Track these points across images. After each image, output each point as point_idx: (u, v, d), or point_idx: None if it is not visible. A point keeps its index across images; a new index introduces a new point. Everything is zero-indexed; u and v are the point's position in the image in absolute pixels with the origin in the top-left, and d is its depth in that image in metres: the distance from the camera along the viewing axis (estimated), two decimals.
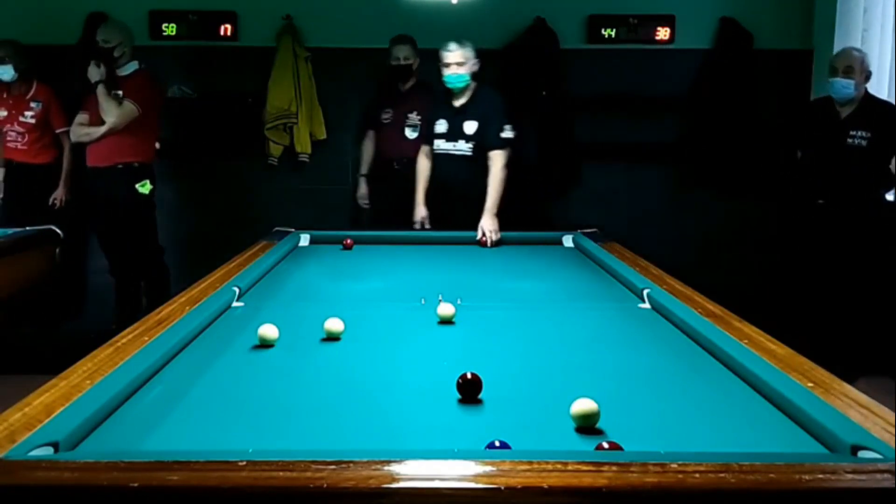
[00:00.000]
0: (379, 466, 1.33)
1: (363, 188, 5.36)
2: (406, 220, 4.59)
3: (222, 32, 5.62)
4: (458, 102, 4.45)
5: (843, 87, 4.48)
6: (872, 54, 5.10)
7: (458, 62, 4.34)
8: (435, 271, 3.52)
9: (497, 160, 4.34)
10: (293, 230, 4.16)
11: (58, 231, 4.31)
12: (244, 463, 1.34)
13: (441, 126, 4.50)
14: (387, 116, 5.16)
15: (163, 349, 2.10)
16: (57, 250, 4.30)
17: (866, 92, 4.58)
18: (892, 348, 4.18)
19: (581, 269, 3.50)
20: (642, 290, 2.83)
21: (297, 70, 5.51)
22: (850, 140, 4.49)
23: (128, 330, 2.29)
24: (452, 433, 1.68)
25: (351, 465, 1.33)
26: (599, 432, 1.64)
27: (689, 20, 5.64)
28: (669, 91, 5.67)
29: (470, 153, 4.43)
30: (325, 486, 1.28)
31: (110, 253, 5.15)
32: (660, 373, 2.09)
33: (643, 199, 5.78)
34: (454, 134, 4.45)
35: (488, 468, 1.33)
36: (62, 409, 1.64)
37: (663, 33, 5.63)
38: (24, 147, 5.31)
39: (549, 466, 1.32)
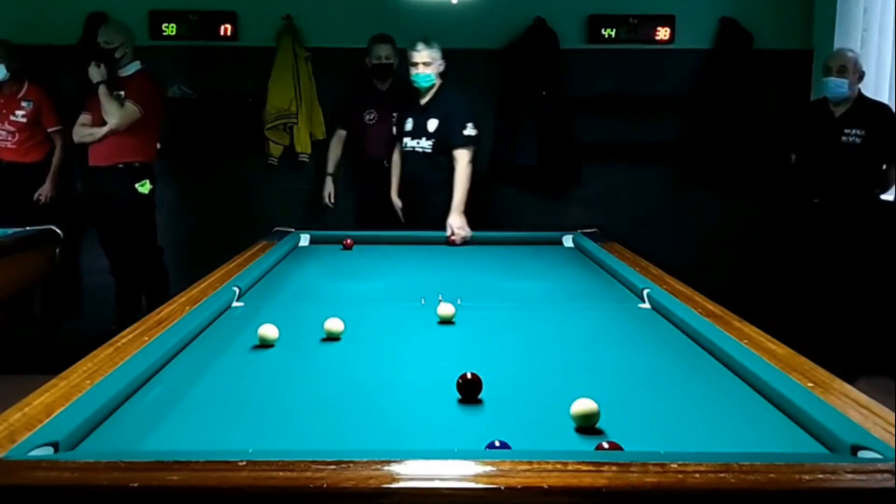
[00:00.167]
0: (379, 466, 1.33)
1: (330, 187, 5.39)
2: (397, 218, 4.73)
3: (222, 32, 5.62)
4: (423, 101, 4.55)
5: (838, 86, 4.53)
6: (872, 54, 5.11)
7: (425, 62, 4.42)
8: (435, 271, 3.52)
9: (461, 158, 4.41)
10: (293, 230, 4.16)
11: (58, 231, 4.31)
12: (244, 463, 1.34)
13: (409, 124, 4.61)
14: (371, 117, 5.16)
15: (163, 349, 2.10)
16: (57, 250, 4.30)
17: (860, 92, 4.63)
18: (892, 348, 4.18)
19: (581, 269, 3.50)
20: (642, 290, 2.83)
21: (297, 70, 5.52)
22: (844, 138, 4.53)
23: (128, 330, 2.29)
24: (452, 433, 1.68)
25: (351, 465, 1.33)
26: (599, 432, 1.64)
27: (689, 20, 5.64)
28: (669, 91, 5.67)
29: (430, 150, 4.53)
30: (325, 486, 1.28)
31: (110, 253, 5.15)
32: (660, 373, 2.09)
33: (643, 199, 5.78)
34: (418, 132, 4.56)
35: (488, 468, 1.33)
36: (62, 409, 1.64)
37: (663, 33, 5.63)
38: (14, 146, 5.32)
39: (549, 466, 1.32)
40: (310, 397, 1.90)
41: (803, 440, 1.60)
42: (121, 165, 4.92)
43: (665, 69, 5.66)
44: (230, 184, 5.78)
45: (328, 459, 1.34)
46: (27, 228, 4.21)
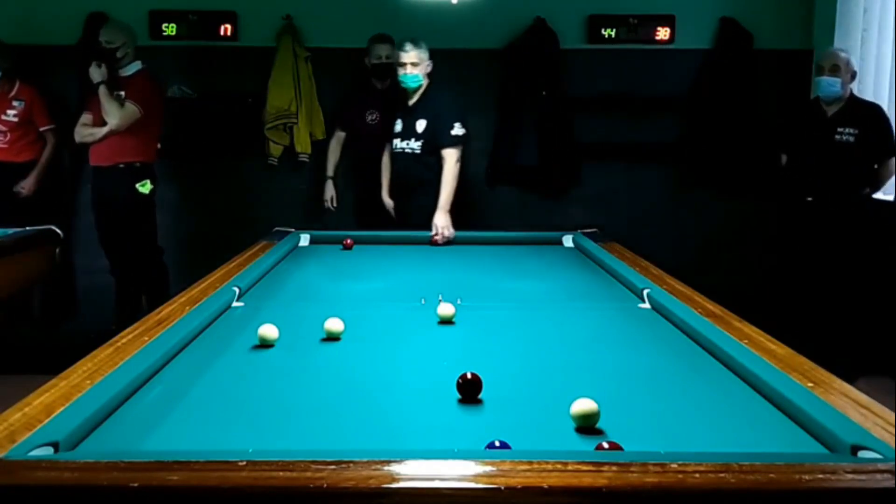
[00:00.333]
0: (379, 466, 1.33)
1: (331, 190, 5.37)
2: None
3: (222, 32, 5.62)
4: (410, 102, 4.54)
5: (830, 85, 4.56)
6: (872, 54, 5.11)
7: (413, 62, 4.40)
8: (435, 271, 3.52)
9: (449, 158, 4.40)
10: (293, 230, 4.16)
11: (58, 231, 4.31)
12: (244, 463, 1.34)
13: (397, 125, 4.60)
14: (372, 117, 5.16)
15: (163, 349, 2.10)
16: (57, 250, 4.30)
17: (851, 93, 4.66)
18: (891, 348, 4.18)
19: (581, 269, 3.50)
20: (642, 290, 2.83)
21: (297, 70, 5.52)
22: (838, 137, 4.57)
23: (128, 330, 2.29)
24: (452, 433, 1.68)
25: (351, 465, 1.33)
26: (599, 432, 1.64)
27: (689, 20, 5.64)
28: (669, 91, 5.67)
29: (419, 151, 4.51)
30: (325, 486, 1.28)
31: (111, 252, 5.15)
32: (660, 373, 2.09)
33: (643, 199, 5.78)
34: (407, 133, 4.55)
35: (488, 468, 1.33)
36: (62, 409, 1.64)
37: (663, 33, 5.63)
38: (6, 146, 5.32)
39: (549, 466, 1.32)
40: (310, 397, 1.90)
41: (803, 440, 1.60)
42: (121, 165, 4.92)
43: (665, 69, 5.66)
44: (230, 184, 5.78)
45: (328, 459, 1.34)
46: (27, 228, 4.21)
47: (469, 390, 1.83)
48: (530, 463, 1.34)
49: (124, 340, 2.18)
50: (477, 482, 1.30)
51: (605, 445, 1.50)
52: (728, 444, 1.59)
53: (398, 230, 4.38)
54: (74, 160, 5.57)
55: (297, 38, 5.56)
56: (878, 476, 1.33)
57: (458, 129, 4.43)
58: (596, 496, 1.28)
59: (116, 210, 4.98)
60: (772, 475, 1.32)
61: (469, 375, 1.84)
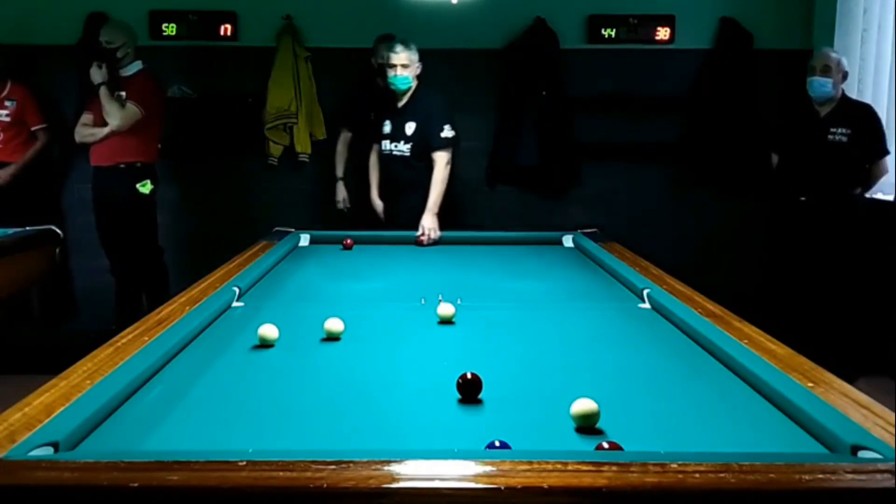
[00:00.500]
0: (379, 466, 1.33)
1: (343, 192, 5.32)
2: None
3: (222, 32, 5.62)
4: (400, 104, 4.50)
5: (822, 85, 4.58)
6: (872, 54, 5.12)
7: (403, 64, 4.36)
8: (435, 271, 3.52)
9: (439, 161, 4.39)
10: (293, 230, 4.16)
11: (58, 231, 4.31)
12: (244, 463, 1.34)
13: (386, 126, 4.57)
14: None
15: (163, 349, 2.10)
16: (57, 250, 4.30)
17: (843, 93, 4.68)
18: (891, 348, 4.19)
19: (581, 269, 3.50)
20: (642, 290, 2.83)
21: (297, 70, 5.51)
22: (831, 137, 4.58)
23: (128, 330, 2.29)
24: (452, 433, 1.68)
25: (351, 465, 1.33)
26: (599, 432, 1.64)
27: (689, 20, 5.65)
28: (669, 91, 5.67)
29: (408, 154, 4.49)
30: (325, 486, 1.28)
31: (111, 252, 5.15)
32: (660, 373, 2.09)
33: (643, 199, 5.78)
34: (396, 135, 4.51)
35: (488, 468, 1.33)
36: (62, 409, 1.64)
37: (663, 33, 5.63)
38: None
39: (549, 466, 1.32)
40: (310, 397, 1.90)
41: (803, 440, 1.60)
42: (122, 165, 4.92)
43: (665, 69, 5.66)
44: (230, 184, 5.78)
45: (328, 459, 1.34)
46: (27, 228, 4.21)
47: (469, 390, 1.83)
48: (530, 463, 1.34)
49: (124, 340, 2.18)
50: (477, 482, 1.30)
51: (605, 445, 1.50)
52: (728, 444, 1.59)
53: (395, 230, 4.37)
54: (65, 159, 5.60)
55: (297, 38, 5.56)
56: (878, 476, 1.33)
57: (447, 132, 4.41)
58: (596, 496, 1.28)
59: (117, 210, 4.98)
60: (772, 475, 1.32)
61: (469, 375, 1.84)
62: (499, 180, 5.75)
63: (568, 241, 4.08)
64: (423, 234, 4.16)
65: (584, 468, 1.33)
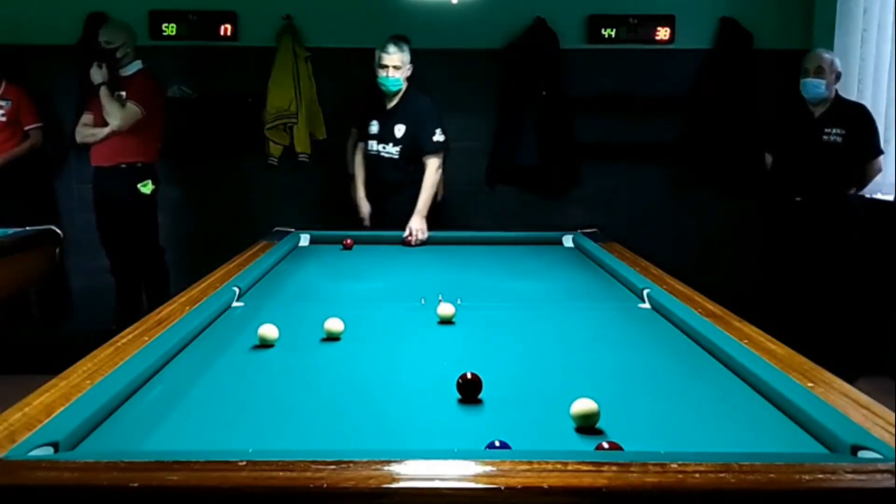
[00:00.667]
0: (379, 466, 1.33)
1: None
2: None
3: (222, 32, 5.63)
4: (389, 105, 4.47)
5: (815, 86, 4.60)
6: (872, 54, 5.12)
7: (395, 66, 4.34)
8: (435, 271, 3.52)
9: (431, 165, 4.39)
10: (293, 230, 4.16)
11: (58, 231, 4.31)
12: (244, 463, 1.34)
13: (373, 127, 4.53)
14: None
15: (163, 349, 2.10)
16: (57, 250, 4.30)
17: (837, 93, 4.69)
18: (891, 348, 4.19)
19: (581, 269, 3.50)
20: (642, 290, 2.83)
21: (297, 70, 5.51)
22: (825, 137, 4.60)
23: (128, 330, 2.29)
24: (452, 433, 1.68)
25: (351, 465, 1.33)
26: (599, 432, 1.64)
27: (689, 20, 5.65)
28: (669, 91, 5.67)
29: (397, 156, 4.46)
30: (325, 486, 1.28)
31: (112, 252, 5.15)
32: (660, 373, 2.09)
33: (643, 199, 5.78)
34: (385, 136, 4.48)
35: (488, 468, 1.33)
36: (62, 409, 1.64)
37: (663, 33, 5.64)
38: None
39: (549, 466, 1.32)
40: (310, 397, 1.90)
41: (803, 440, 1.60)
42: (123, 166, 4.92)
43: (665, 69, 5.66)
44: (230, 184, 5.79)
45: (328, 459, 1.34)
46: (27, 228, 4.22)
47: (469, 390, 1.83)
48: (530, 463, 1.34)
49: (124, 340, 2.18)
50: (477, 482, 1.30)
51: (605, 445, 1.50)
52: (728, 444, 1.59)
53: (391, 231, 4.36)
54: (60, 159, 5.60)
55: (297, 38, 5.56)
56: (878, 476, 1.33)
57: (439, 136, 4.40)
58: (596, 496, 1.28)
59: (118, 210, 4.98)
60: (772, 475, 1.32)
61: (469, 375, 1.84)
62: (499, 180, 5.76)
63: (568, 241, 4.08)
64: (409, 235, 4.15)
65: (584, 468, 1.33)
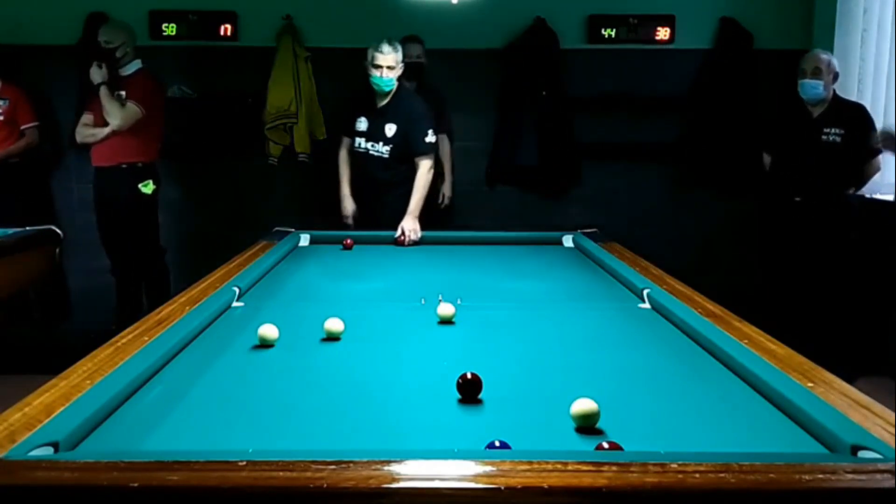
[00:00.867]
0: (379, 466, 1.33)
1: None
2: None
3: (222, 32, 5.63)
4: (380, 104, 4.45)
5: (813, 87, 4.61)
6: (872, 54, 5.12)
7: (389, 66, 4.32)
8: (435, 271, 3.52)
9: (423, 166, 4.39)
10: (293, 230, 4.16)
11: (58, 231, 4.31)
12: (244, 463, 1.34)
13: (361, 124, 4.51)
14: None
15: (163, 349, 2.10)
16: (57, 250, 4.30)
17: (835, 93, 4.70)
18: (891, 348, 4.19)
19: (581, 269, 3.50)
20: (642, 290, 2.83)
21: (297, 70, 5.51)
22: (824, 137, 4.61)
23: (128, 330, 2.29)
24: (452, 433, 1.68)
25: (351, 465, 1.33)
26: (599, 432, 1.64)
27: (689, 20, 5.65)
28: (669, 91, 5.67)
29: (387, 156, 4.45)
30: (325, 486, 1.28)
31: (112, 252, 5.15)
32: (660, 373, 2.09)
33: (643, 199, 5.78)
34: (374, 135, 4.47)
35: (488, 468, 1.33)
36: (62, 409, 1.64)
37: (663, 33, 5.64)
38: None
39: (549, 466, 1.32)
40: (310, 397, 1.90)
41: (803, 440, 1.61)
42: (124, 165, 4.92)
43: (665, 69, 5.66)
44: (230, 184, 5.79)
45: (328, 459, 1.34)
46: (27, 228, 4.21)
47: (469, 390, 1.83)
48: (530, 463, 1.34)
49: (124, 340, 2.18)
50: (477, 482, 1.30)
51: (605, 445, 1.50)
52: (728, 444, 1.59)
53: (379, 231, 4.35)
54: (57, 158, 5.60)
55: (297, 38, 5.56)
56: (878, 476, 1.33)
57: (430, 137, 4.40)
58: (596, 496, 1.28)
59: (118, 210, 4.98)
60: (772, 475, 1.32)
61: (469, 375, 1.84)
62: (499, 180, 5.76)
63: (568, 241, 4.08)
64: (401, 236, 4.14)
65: (584, 468, 1.33)
